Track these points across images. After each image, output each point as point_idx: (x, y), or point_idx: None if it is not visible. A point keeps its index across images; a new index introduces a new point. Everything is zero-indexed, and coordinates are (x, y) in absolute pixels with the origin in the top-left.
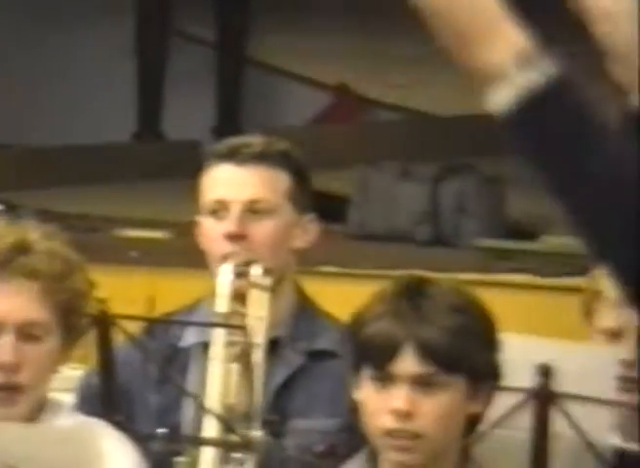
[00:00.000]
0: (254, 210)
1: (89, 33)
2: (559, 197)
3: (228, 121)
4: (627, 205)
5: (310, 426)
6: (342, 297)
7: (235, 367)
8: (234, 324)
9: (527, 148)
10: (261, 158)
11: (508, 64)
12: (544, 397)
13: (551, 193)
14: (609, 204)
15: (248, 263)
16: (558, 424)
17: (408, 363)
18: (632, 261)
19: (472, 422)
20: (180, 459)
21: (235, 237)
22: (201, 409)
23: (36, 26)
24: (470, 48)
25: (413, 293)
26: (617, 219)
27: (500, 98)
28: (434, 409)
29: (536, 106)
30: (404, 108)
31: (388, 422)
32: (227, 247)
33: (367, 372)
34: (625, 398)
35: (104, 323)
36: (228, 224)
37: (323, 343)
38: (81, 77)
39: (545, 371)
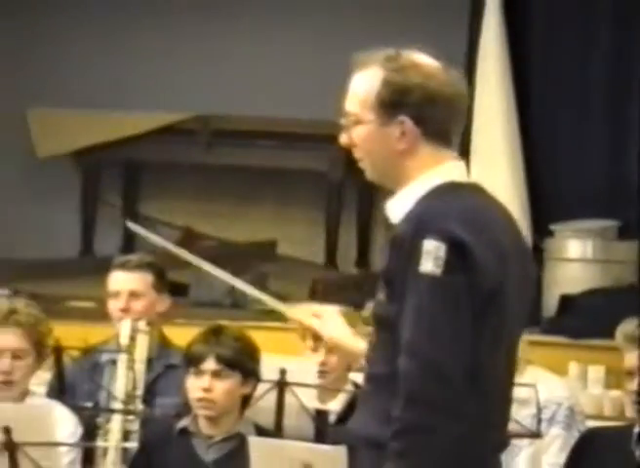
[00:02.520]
0: (134, 295)
1: None
2: None
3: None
4: None
5: (167, 402)
6: (185, 335)
7: (130, 372)
8: (131, 351)
9: None
10: (136, 267)
11: None
12: (282, 385)
13: None
14: None
15: (137, 320)
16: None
17: (210, 364)
18: None
19: (246, 398)
20: (100, 420)
21: (123, 309)
22: (111, 395)
23: None
24: None
25: (216, 331)
26: None
27: None
28: (223, 388)
29: None
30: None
31: (198, 393)
32: (120, 314)
33: (191, 370)
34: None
35: (59, 351)
36: (119, 304)
37: (173, 360)
38: None
39: (282, 372)
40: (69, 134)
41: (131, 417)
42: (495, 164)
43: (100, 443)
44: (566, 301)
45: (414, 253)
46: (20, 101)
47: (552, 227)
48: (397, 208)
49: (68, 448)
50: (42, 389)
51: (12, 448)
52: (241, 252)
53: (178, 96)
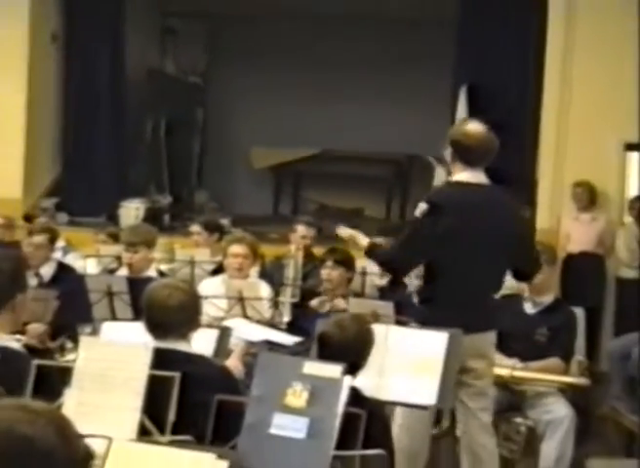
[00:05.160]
0: (302, 235)
1: None
2: None
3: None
4: None
5: (310, 282)
6: (318, 251)
7: (295, 268)
8: (296, 258)
9: None
10: (303, 222)
11: None
12: (364, 274)
13: None
14: None
15: (299, 244)
16: None
17: (330, 262)
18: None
19: (349, 280)
20: (281, 289)
21: (299, 239)
22: (286, 277)
23: None
24: None
25: (333, 248)
26: None
27: None
28: (337, 274)
29: None
30: (337, 207)
31: (325, 277)
32: (295, 242)
33: (323, 265)
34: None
35: (263, 258)
36: (295, 237)
37: (315, 263)
38: None
39: (363, 267)
40: (275, 158)
41: (295, 288)
42: None
43: (281, 298)
44: None
45: (417, 208)
46: (245, 143)
47: None
48: None
49: (267, 301)
50: (255, 274)
51: (242, 300)
52: (347, 214)
53: (314, 137)
